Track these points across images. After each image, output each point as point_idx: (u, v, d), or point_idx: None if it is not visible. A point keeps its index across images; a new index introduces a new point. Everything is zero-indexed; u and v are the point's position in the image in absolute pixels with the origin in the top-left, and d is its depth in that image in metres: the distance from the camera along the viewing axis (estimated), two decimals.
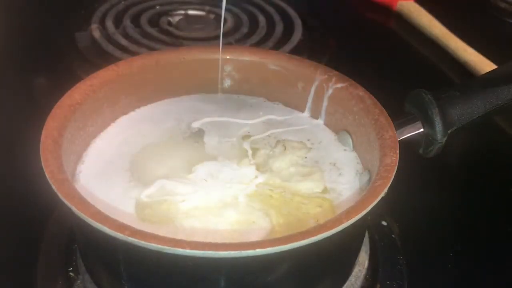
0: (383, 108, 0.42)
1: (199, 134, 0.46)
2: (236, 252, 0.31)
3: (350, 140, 0.45)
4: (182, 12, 0.78)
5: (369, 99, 0.43)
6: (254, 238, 0.37)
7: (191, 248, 0.30)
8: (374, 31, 0.82)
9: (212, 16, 0.78)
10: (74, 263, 0.44)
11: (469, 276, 0.48)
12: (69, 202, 0.33)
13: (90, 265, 0.41)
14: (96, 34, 0.69)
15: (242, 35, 0.73)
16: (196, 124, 0.47)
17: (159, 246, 0.30)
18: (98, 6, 0.75)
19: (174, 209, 0.39)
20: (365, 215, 0.34)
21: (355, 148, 0.45)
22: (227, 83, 0.50)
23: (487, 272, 0.48)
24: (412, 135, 0.43)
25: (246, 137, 0.46)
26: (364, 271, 0.45)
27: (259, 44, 0.71)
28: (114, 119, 0.46)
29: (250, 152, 0.44)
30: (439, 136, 0.43)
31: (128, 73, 0.45)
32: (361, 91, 0.44)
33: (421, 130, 0.44)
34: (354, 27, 0.82)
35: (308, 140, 0.46)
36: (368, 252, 0.46)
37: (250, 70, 0.49)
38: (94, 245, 0.38)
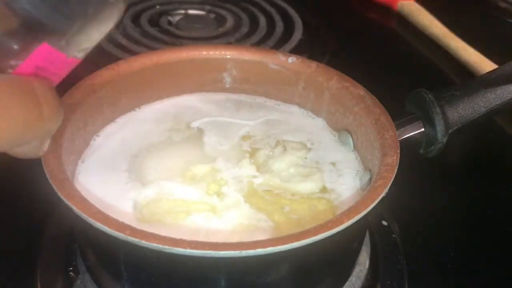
0: (383, 107, 0.42)
1: (199, 134, 0.46)
2: (237, 252, 0.31)
3: (350, 140, 0.45)
4: (182, 11, 0.78)
5: (369, 98, 0.43)
6: (254, 238, 0.36)
7: (192, 248, 0.30)
8: (375, 31, 0.82)
9: (212, 15, 0.78)
10: (74, 263, 0.44)
11: (469, 276, 0.48)
12: (69, 201, 0.33)
13: (90, 264, 0.41)
14: None
15: (242, 34, 0.73)
16: (195, 124, 0.47)
17: (160, 245, 0.30)
18: None
19: (173, 210, 0.39)
20: (365, 215, 0.34)
21: (355, 148, 0.45)
22: (227, 82, 0.50)
23: (487, 272, 0.48)
24: (412, 135, 0.43)
25: (246, 137, 0.46)
26: (365, 271, 0.45)
27: (259, 43, 0.71)
28: (114, 118, 0.46)
29: (249, 152, 0.44)
30: (439, 136, 0.43)
31: (128, 72, 0.45)
32: (361, 91, 0.44)
33: (422, 130, 0.44)
34: (354, 27, 0.82)
35: (308, 140, 0.46)
36: (369, 252, 0.46)
37: (250, 70, 0.49)
38: (94, 245, 0.38)
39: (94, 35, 0.31)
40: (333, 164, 0.44)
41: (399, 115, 0.44)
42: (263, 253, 0.31)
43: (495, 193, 0.56)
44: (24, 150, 0.31)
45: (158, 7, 0.78)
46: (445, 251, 0.49)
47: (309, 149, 0.45)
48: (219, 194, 0.40)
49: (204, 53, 0.48)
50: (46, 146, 0.34)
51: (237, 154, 0.44)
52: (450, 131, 0.43)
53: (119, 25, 0.72)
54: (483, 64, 0.69)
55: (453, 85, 0.45)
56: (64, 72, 0.32)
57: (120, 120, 0.46)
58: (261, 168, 0.43)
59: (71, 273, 0.43)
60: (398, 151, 0.38)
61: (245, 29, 0.74)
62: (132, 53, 0.65)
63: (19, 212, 0.48)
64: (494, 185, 0.56)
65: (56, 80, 0.32)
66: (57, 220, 0.47)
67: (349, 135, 0.45)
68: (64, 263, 0.44)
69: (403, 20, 0.82)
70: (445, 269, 0.48)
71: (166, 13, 0.77)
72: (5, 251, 0.45)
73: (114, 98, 0.45)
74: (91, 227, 0.32)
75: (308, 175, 0.42)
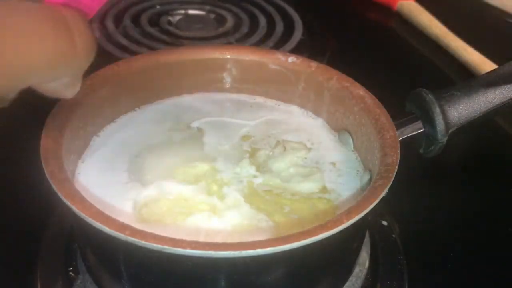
0: (383, 107, 0.42)
1: (199, 134, 0.46)
2: (237, 252, 0.31)
3: (350, 140, 0.45)
4: (182, 11, 0.78)
5: (369, 99, 0.43)
6: (254, 238, 0.36)
7: (192, 248, 0.30)
8: (374, 31, 0.82)
9: (212, 15, 0.78)
10: (74, 263, 0.44)
11: (469, 276, 0.48)
12: (69, 201, 0.33)
13: (90, 265, 0.41)
14: (96, 33, 0.69)
15: (242, 34, 0.73)
16: (195, 124, 0.47)
17: (160, 246, 0.30)
18: None
19: (173, 210, 0.39)
20: (365, 215, 0.34)
21: (355, 148, 0.45)
22: (227, 82, 0.50)
23: (487, 272, 0.48)
24: (412, 134, 0.43)
25: (246, 137, 0.46)
26: (364, 271, 0.45)
27: (259, 43, 0.71)
28: (114, 118, 0.46)
29: (249, 152, 0.44)
30: (439, 136, 0.43)
31: (128, 72, 0.45)
32: (361, 91, 0.44)
33: (422, 130, 0.44)
34: (354, 27, 0.82)
35: (308, 140, 0.46)
36: (369, 252, 0.46)
37: (250, 70, 0.49)
38: (94, 245, 0.38)
39: None
40: (333, 164, 0.44)
41: (399, 115, 0.44)
42: (263, 253, 0.31)
43: (495, 193, 0.55)
44: (54, 86, 0.29)
45: (158, 7, 0.78)
46: (445, 251, 0.49)
47: (309, 149, 0.45)
48: (219, 194, 0.40)
49: (204, 53, 0.48)
50: (77, 87, 0.31)
51: (237, 154, 0.44)
52: (450, 131, 0.43)
53: (119, 25, 0.72)
54: (483, 64, 0.69)
55: (453, 85, 0.45)
56: (96, 4, 0.30)
57: (120, 120, 0.46)
58: (261, 168, 0.43)
59: (71, 273, 0.43)
60: (398, 151, 0.38)
61: (245, 29, 0.74)
62: (132, 53, 0.65)
63: (19, 212, 0.48)
64: (494, 185, 0.56)
65: (89, 12, 0.30)
66: (57, 220, 0.47)
67: (349, 135, 0.45)
68: (64, 263, 0.44)
69: (403, 20, 0.82)
70: (445, 269, 0.48)
71: (166, 13, 0.77)
72: (5, 251, 0.45)
73: (114, 98, 0.45)
74: (91, 227, 0.32)
75: (308, 175, 0.42)
